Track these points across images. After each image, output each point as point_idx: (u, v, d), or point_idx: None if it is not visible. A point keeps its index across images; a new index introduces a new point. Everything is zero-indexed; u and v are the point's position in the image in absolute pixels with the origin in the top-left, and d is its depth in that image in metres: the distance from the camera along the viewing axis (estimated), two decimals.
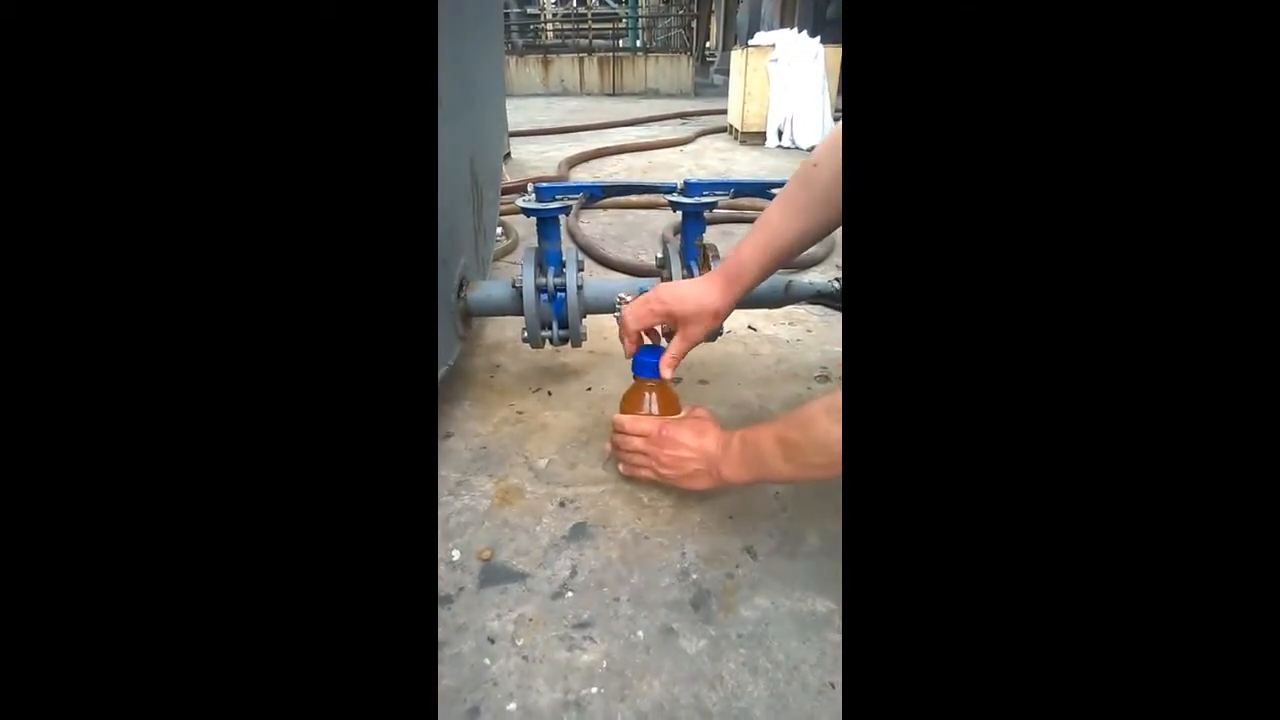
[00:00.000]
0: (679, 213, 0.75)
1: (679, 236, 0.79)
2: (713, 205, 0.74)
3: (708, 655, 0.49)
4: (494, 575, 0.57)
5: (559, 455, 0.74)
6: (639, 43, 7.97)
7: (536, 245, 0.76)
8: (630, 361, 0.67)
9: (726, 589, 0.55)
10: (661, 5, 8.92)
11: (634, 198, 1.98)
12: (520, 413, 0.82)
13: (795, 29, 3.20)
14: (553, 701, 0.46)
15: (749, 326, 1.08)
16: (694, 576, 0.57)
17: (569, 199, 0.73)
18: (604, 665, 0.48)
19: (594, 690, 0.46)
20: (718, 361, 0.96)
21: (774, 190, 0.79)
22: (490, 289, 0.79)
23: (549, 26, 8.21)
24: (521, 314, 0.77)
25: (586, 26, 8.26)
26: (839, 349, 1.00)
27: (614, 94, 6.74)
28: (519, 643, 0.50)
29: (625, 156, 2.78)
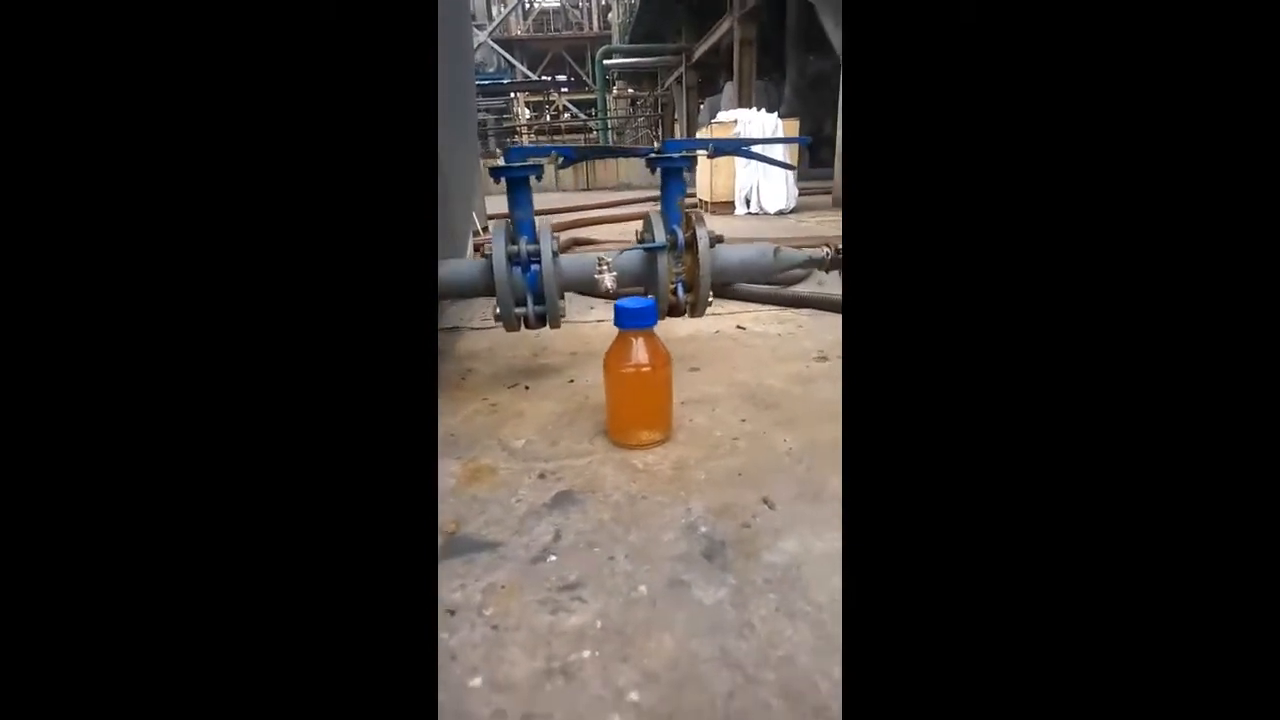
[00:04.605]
0: (658, 172, 0.72)
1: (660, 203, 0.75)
2: (693, 163, 0.71)
3: (730, 604, 0.39)
4: (458, 547, 0.46)
5: (538, 436, 0.64)
6: (610, 144, 8.55)
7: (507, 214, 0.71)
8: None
9: (744, 538, 0.45)
10: (629, 110, 9.69)
11: (602, 228, 1.99)
12: (494, 405, 0.74)
13: (755, 109, 3.44)
14: (532, 671, 0.34)
15: (738, 326, 1.03)
16: (703, 530, 0.47)
17: (541, 161, 0.69)
18: (598, 625, 0.37)
19: (586, 654, 0.35)
20: (708, 352, 0.90)
21: (749, 148, 0.77)
22: (457, 265, 0.73)
23: (523, 135, 8.78)
24: (493, 294, 0.70)
25: (560, 137, 8.87)
26: (832, 337, 0.94)
27: (588, 189, 7.10)
28: (487, 612, 0.39)
29: (602, 225, 2.85)
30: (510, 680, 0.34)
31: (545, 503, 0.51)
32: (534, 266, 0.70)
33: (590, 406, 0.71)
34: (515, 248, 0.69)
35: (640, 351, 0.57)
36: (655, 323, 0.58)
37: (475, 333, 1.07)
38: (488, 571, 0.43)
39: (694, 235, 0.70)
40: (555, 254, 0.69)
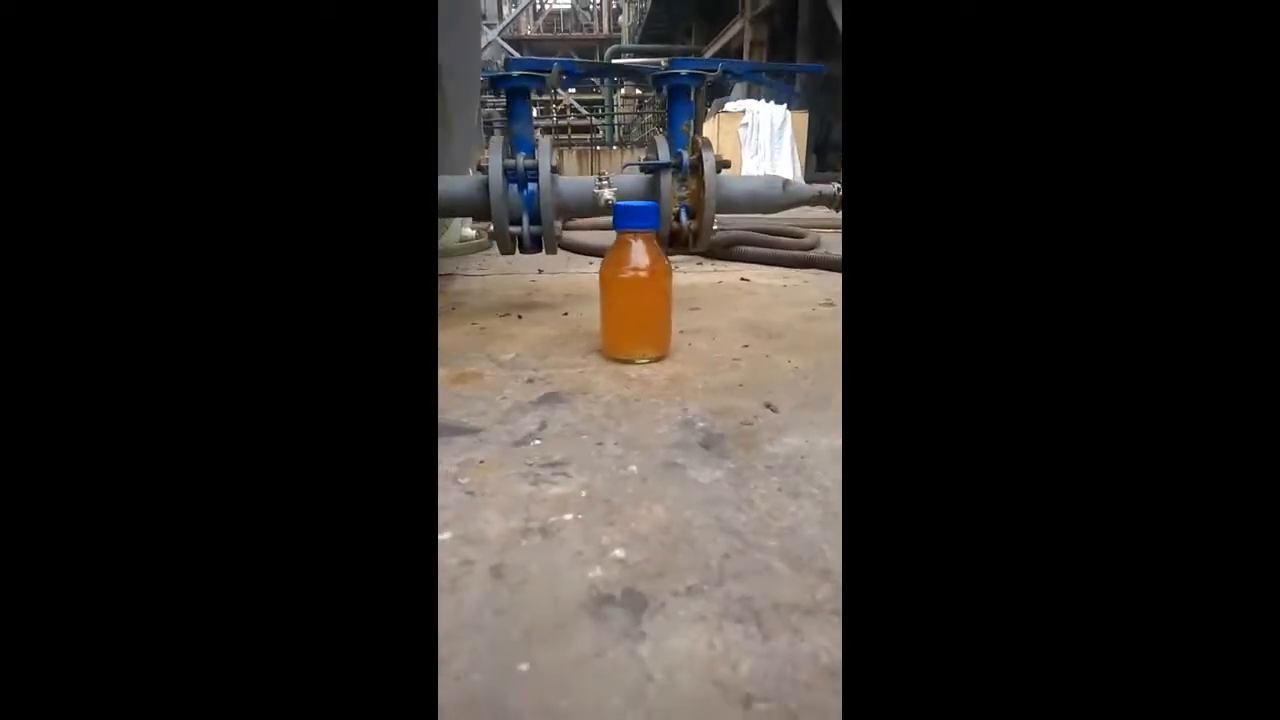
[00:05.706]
0: (664, 92, 0.69)
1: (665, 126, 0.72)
2: (700, 82, 0.68)
3: (728, 483, 0.35)
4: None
5: (528, 352, 0.61)
6: (615, 140, 8.54)
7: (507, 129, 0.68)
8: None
9: (744, 433, 0.42)
10: (636, 110, 9.69)
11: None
12: (484, 328, 0.70)
13: (763, 100, 3.42)
14: (507, 530, 0.31)
15: (741, 278, 1.00)
16: (701, 425, 0.43)
17: (542, 74, 0.66)
18: (582, 495, 0.34)
19: (568, 517, 0.32)
20: (710, 297, 0.86)
21: (763, 73, 0.74)
22: (453, 180, 0.70)
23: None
24: (487, 211, 0.67)
25: (566, 135, 8.85)
26: (840, 290, 0.91)
27: None
28: (463, 480, 0.36)
29: None
30: (483, 536, 0.31)
31: (532, 401, 0.48)
32: (531, 186, 0.67)
33: (584, 333, 0.68)
34: (512, 162, 0.66)
35: (640, 255, 0.54)
36: (658, 226, 0.55)
37: (468, 277, 1.04)
38: (466, 450, 0.40)
39: (700, 158, 0.67)
40: (554, 170, 0.66)
